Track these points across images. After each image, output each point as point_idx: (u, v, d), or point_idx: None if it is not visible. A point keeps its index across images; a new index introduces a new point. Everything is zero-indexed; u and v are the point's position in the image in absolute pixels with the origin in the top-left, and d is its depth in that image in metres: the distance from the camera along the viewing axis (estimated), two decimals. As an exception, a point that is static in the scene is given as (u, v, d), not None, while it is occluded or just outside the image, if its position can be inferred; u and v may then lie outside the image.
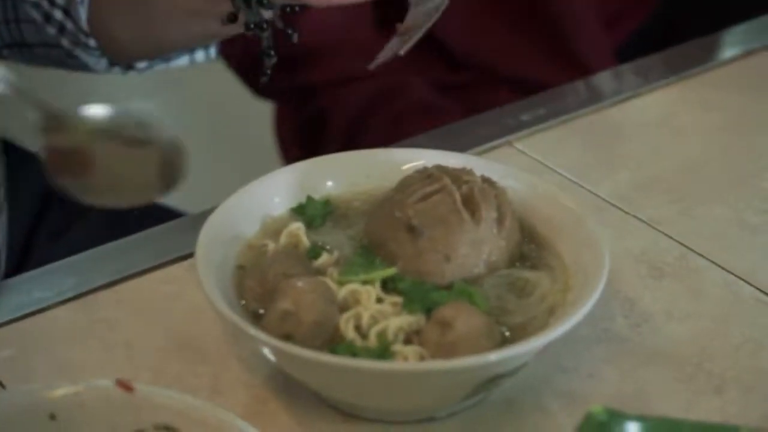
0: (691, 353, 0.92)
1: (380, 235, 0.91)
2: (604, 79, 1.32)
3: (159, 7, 1.03)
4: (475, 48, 1.51)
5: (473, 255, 0.89)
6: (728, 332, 0.94)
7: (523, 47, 1.52)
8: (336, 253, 0.91)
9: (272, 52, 1.00)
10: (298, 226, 0.93)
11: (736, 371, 0.90)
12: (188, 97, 2.95)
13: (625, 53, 1.50)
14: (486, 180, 0.92)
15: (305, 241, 0.92)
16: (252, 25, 0.97)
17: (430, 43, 1.46)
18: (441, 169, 0.92)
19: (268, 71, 1.00)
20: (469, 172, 0.92)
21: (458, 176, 0.91)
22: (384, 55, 0.94)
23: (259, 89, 1.54)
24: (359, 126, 1.47)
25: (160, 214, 1.25)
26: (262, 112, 1.74)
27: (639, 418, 0.75)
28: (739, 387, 0.89)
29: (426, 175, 0.92)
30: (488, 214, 0.89)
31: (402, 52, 0.93)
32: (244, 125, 2.12)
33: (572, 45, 1.52)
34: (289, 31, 0.99)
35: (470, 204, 0.89)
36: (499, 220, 0.90)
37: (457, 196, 0.89)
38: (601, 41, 1.56)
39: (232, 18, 0.98)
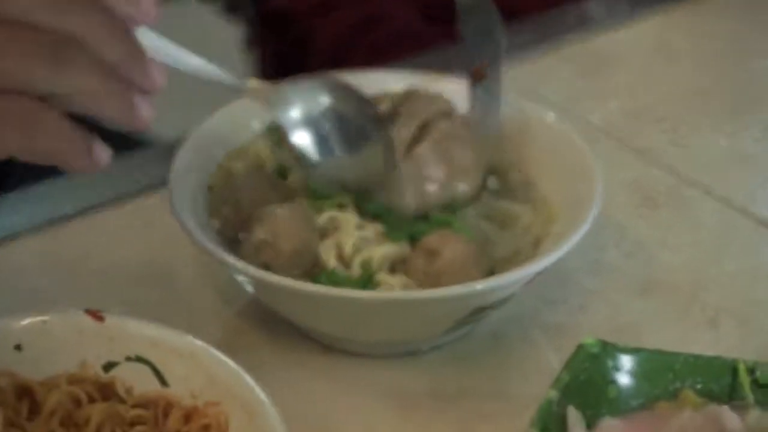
0: (685, 283, 0.90)
1: None
2: (594, 6, 1.29)
3: None
4: None
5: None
6: (723, 262, 0.92)
7: None
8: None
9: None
10: (263, 146, 0.89)
11: (732, 302, 0.88)
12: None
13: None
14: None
15: (271, 161, 0.88)
16: None
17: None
18: None
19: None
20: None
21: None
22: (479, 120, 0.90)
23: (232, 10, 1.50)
24: (341, 55, 1.44)
25: (134, 144, 1.21)
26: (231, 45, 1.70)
27: (632, 350, 0.72)
28: (734, 319, 0.87)
29: None
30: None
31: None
32: (215, 58, 2.08)
33: None
34: None
35: None
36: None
37: None
38: None
39: None
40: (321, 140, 0.83)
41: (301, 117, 0.83)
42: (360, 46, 1.40)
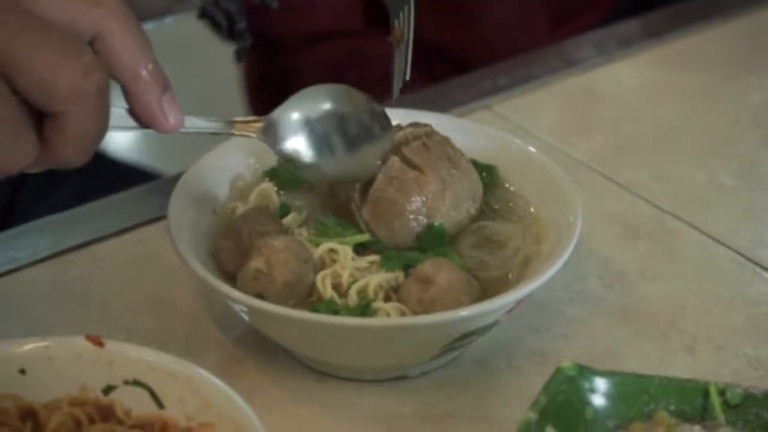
0: (664, 312, 0.92)
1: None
2: (582, 43, 1.32)
3: None
4: (438, 37, 1.50)
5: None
6: (702, 292, 0.95)
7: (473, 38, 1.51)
8: (305, 213, 0.90)
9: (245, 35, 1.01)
10: (269, 186, 0.92)
11: (709, 330, 0.91)
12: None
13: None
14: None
15: (275, 201, 0.91)
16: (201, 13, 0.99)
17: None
18: None
19: (241, 53, 1.02)
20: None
21: None
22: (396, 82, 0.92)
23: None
24: None
25: (137, 176, 1.24)
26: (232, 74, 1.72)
27: (608, 373, 0.75)
28: (710, 345, 0.89)
29: None
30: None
31: (407, 77, 0.92)
32: (218, 88, 2.08)
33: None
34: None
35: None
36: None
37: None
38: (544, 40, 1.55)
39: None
40: (317, 142, 0.86)
41: (297, 121, 0.86)
42: (349, 79, 1.43)
